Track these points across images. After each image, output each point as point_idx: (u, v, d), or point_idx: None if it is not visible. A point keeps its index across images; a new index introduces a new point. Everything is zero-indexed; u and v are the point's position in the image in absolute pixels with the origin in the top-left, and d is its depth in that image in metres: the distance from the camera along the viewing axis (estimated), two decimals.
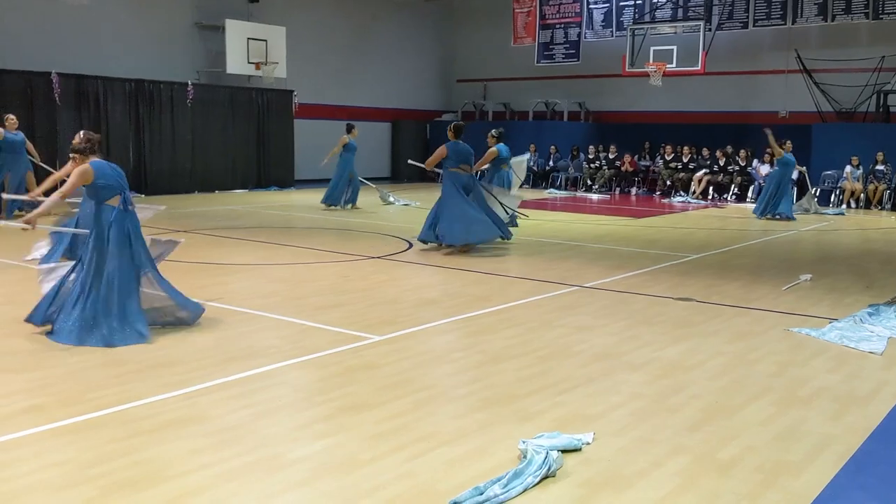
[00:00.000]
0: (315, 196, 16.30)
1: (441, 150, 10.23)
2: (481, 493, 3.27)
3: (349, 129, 15.58)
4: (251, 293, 7.58)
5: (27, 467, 3.57)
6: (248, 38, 18.95)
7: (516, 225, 11.97)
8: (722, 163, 19.33)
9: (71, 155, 5.91)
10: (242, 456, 3.72)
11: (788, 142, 15.73)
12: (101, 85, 16.91)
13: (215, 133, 19.01)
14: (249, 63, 18.99)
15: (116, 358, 5.26)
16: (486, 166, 11.85)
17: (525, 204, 17.52)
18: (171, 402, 4.43)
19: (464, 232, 9.86)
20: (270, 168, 20.22)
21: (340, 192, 15.32)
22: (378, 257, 9.63)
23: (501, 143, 11.76)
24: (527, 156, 15.29)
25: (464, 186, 10.19)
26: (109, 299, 5.59)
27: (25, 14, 16.09)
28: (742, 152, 19.11)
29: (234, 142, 19.41)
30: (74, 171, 5.68)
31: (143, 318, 5.72)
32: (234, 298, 7.14)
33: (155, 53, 18.34)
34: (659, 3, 20.66)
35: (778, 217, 14.91)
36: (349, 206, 15.38)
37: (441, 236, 10.00)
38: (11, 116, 13.14)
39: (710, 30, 19.30)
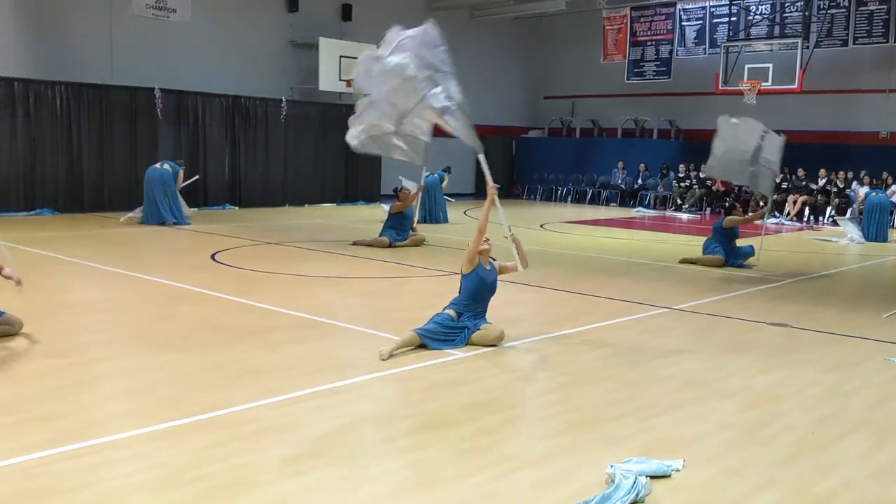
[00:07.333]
0: None
1: None
2: None
3: None
4: (339, 305, 7.74)
5: (125, 469, 3.72)
6: (341, 56, 19.39)
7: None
8: (823, 182, 18.69)
9: None
10: (331, 466, 3.80)
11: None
12: (199, 100, 17.59)
13: (306, 148, 19.51)
14: (341, 80, 19.42)
15: (212, 364, 5.46)
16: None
17: (612, 222, 17.40)
18: (265, 410, 4.56)
19: None
20: (358, 183, 20.61)
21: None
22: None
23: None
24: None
25: None
26: None
27: (132, 32, 16.88)
28: (840, 174, 18.46)
29: (324, 157, 19.87)
30: None
31: None
32: (322, 310, 7.30)
33: (251, 70, 18.96)
34: (754, 21, 20.19)
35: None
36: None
37: None
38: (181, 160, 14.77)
39: (807, 47, 18.73)
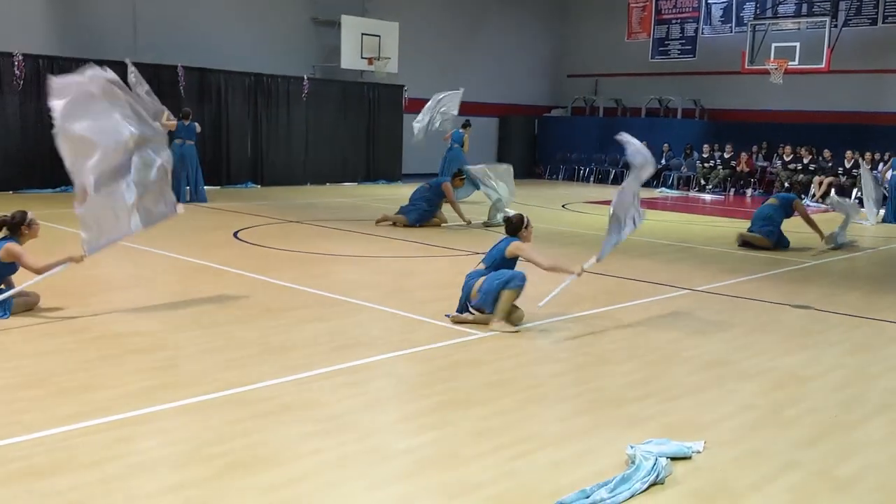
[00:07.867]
0: None
1: None
2: (587, 497, 3.25)
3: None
4: (360, 284, 7.75)
5: (148, 444, 3.76)
6: (362, 34, 19.30)
7: None
8: (849, 164, 18.43)
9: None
10: (351, 444, 3.82)
11: None
12: (222, 78, 17.61)
13: (328, 127, 19.48)
14: (362, 58, 19.34)
15: (234, 341, 5.49)
16: None
17: None
18: (286, 387, 4.60)
19: None
20: (379, 162, 20.57)
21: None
22: (484, 252, 9.64)
23: None
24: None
25: None
26: None
27: (156, 9, 16.90)
28: (867, 155, 18.17)
29: (345, 135, 19.84)
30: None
31: None
32: (343, 288, 7.31)
33: (273, 48, 18.93)
34: None
35: None
36: None
37: None
38: (187, 109, 14.76)
39: (835, 26, 18.41)
